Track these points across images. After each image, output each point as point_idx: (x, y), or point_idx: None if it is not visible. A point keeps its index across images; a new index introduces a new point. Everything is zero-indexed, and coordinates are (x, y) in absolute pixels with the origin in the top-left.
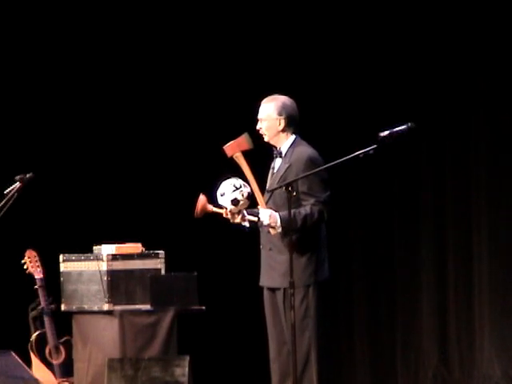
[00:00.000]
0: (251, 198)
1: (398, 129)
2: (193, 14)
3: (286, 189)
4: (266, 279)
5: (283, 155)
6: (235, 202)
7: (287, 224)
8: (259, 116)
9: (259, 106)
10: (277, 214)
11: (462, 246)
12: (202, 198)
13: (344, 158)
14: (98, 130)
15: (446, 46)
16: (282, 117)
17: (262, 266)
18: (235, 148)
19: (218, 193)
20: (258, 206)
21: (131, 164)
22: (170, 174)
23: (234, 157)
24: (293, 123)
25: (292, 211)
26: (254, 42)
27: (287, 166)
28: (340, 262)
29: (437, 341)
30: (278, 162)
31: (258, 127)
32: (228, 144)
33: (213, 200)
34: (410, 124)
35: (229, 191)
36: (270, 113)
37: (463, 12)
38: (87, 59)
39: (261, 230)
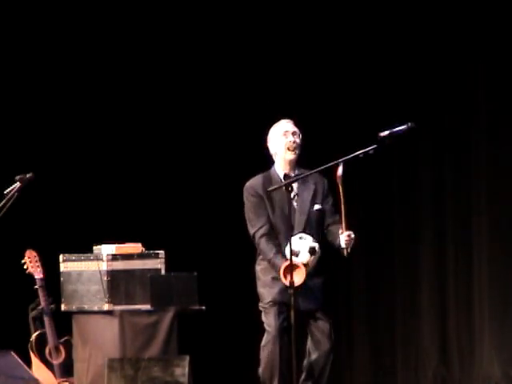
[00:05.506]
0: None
1: (397, 129)
2: (197, 21)
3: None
4: (307, 303)
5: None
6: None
7: None
8: (296, 129)
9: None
10: None
11: (462, 246)
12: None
13: (344, 158)
14: (98, 130)
15: (445, 46)
16: None
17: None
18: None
19: (307, 249)
20: (340, 230)
21: (131, 164)
22: (169, 174)
23: (338, 179)
24: None
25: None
26: (253, 46)
27: (313, 188)
28: (340, 261)
29: (437, 341)
30: (295, 185)
31: (293, 140)
32: (339, 172)
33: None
34: (409, 124)
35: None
36: None
37: (463, 12)
38: (87, 60)
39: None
